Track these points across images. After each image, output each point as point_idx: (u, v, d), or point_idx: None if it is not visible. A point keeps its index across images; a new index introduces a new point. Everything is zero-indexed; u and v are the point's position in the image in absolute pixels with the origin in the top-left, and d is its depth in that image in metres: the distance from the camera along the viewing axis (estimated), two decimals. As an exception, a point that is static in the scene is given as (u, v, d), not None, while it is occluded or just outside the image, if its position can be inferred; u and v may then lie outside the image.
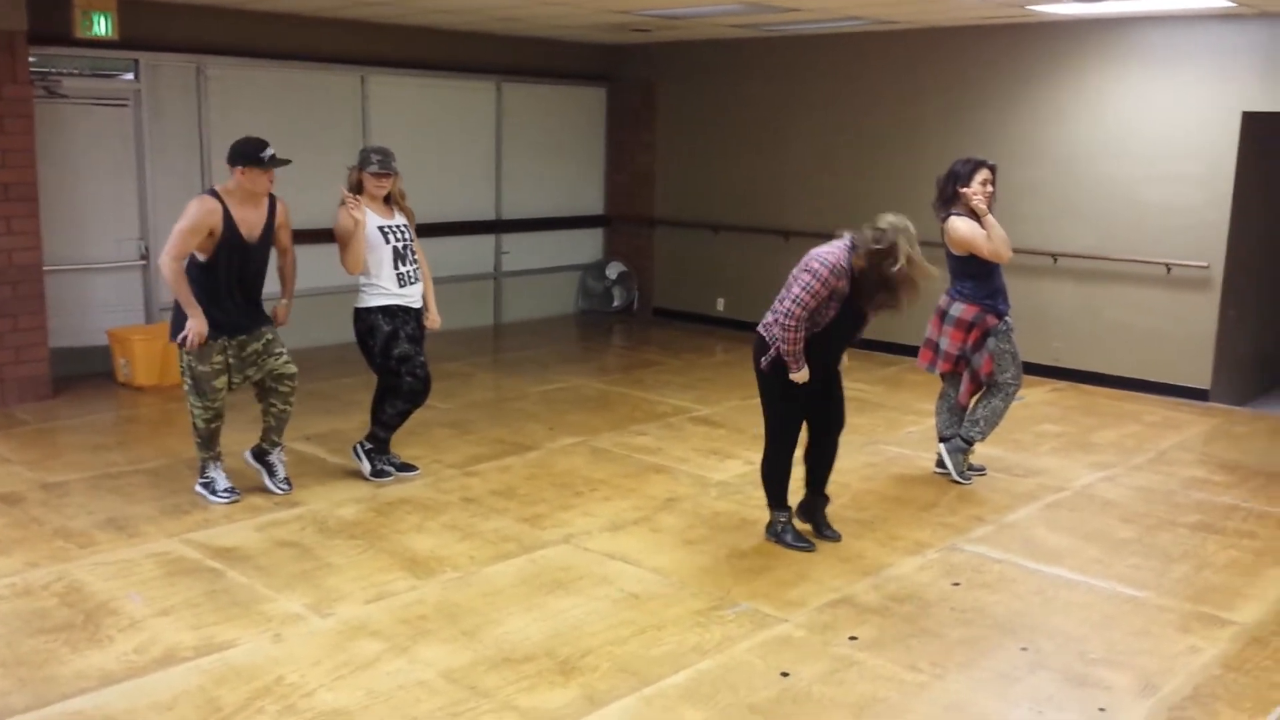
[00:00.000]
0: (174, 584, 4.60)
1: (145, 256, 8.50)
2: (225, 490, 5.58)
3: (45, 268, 7.58)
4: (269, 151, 5.30)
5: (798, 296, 4.81)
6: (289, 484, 5.77)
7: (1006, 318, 5.98)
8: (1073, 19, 8.26)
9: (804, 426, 5.21)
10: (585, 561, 4.93)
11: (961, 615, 4.45)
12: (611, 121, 11.74)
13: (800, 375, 4.91)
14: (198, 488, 5.64)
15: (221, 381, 5.42)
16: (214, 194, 5.33)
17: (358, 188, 5.75)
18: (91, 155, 8.20)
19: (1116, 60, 8.31)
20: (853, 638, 4.22)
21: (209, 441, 5.56)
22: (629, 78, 11.51)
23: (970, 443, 6.09)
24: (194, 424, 5.50)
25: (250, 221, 5.38)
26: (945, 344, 6.01)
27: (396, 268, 5.73)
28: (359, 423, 7.07)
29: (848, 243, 4.83)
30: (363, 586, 4.61)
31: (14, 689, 3.73)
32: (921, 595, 4.64)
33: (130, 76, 8.34)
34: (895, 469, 6.33)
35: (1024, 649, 4.17)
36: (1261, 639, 4.29)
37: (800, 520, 5.29)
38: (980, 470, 6.29)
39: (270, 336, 5.56)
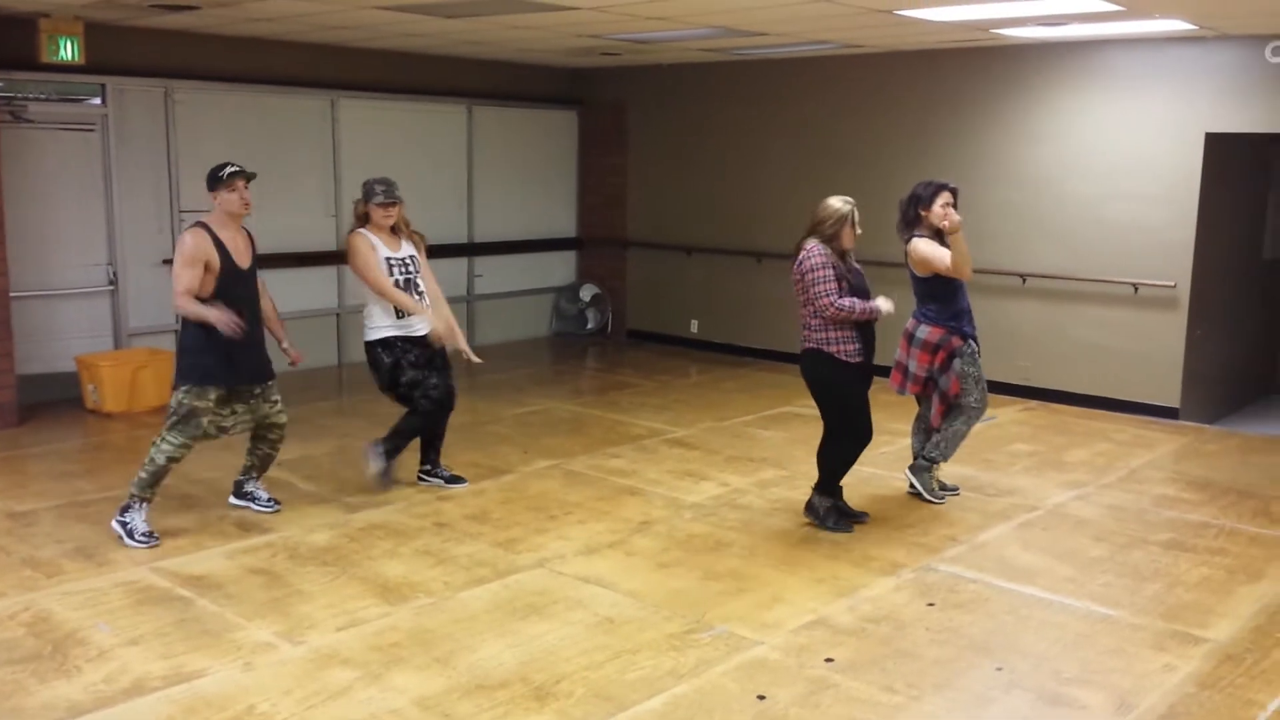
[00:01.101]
0: (143, 613, 4.54)
1: (114, 282, 8.43)
2: (144, 535, 5.28)
3: (12, 294, 7.51)
4: (229, 169, 5.29)
5: (823, 290, 5.32)
6: (276, 501, 5.79)
7: (972, 339, 6.01)
8: (1038, 42, 8.37)
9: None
10: (560, 586, 4.90)
11: (936, 636, 4.45)
12: (583, 144, 11.77)
13: (886, 304, 5.40)
14: (114, 525, 5.36)
15: (210, 421, 5.32)
16: (201, 225, 5.30)
17: (364, 220, 5.85)
18: (58, 180, 8.14)
19: (1082, 83, 8.41)
20: (829, 659, 4.21)
21: (155, 481, 5.33)
22: (600, 101, 11.55)
23: (932, 462, 6.12)
24: (152, 458, 5.27)
25: (239, 249, 5.37)
26: (913, 366, 6.04)
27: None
28: (331, 448, 7.04)
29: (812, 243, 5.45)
30: (334, 614, 4.56)
31: (-22, 723, 3.67)
32: (897, 616, 4.64)
33: (97, 101, 8.30)
34: (869, 489, 6.34)
35: (999, 669, 4.17)
36: (1235, 656, 4.31)
37: (806, 517, 5.77)
38: (954, 490, 6.31)
39: (268, 383, 5.55)
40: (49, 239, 8.10)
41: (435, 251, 10.42)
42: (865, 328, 5.44)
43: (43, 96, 8.04)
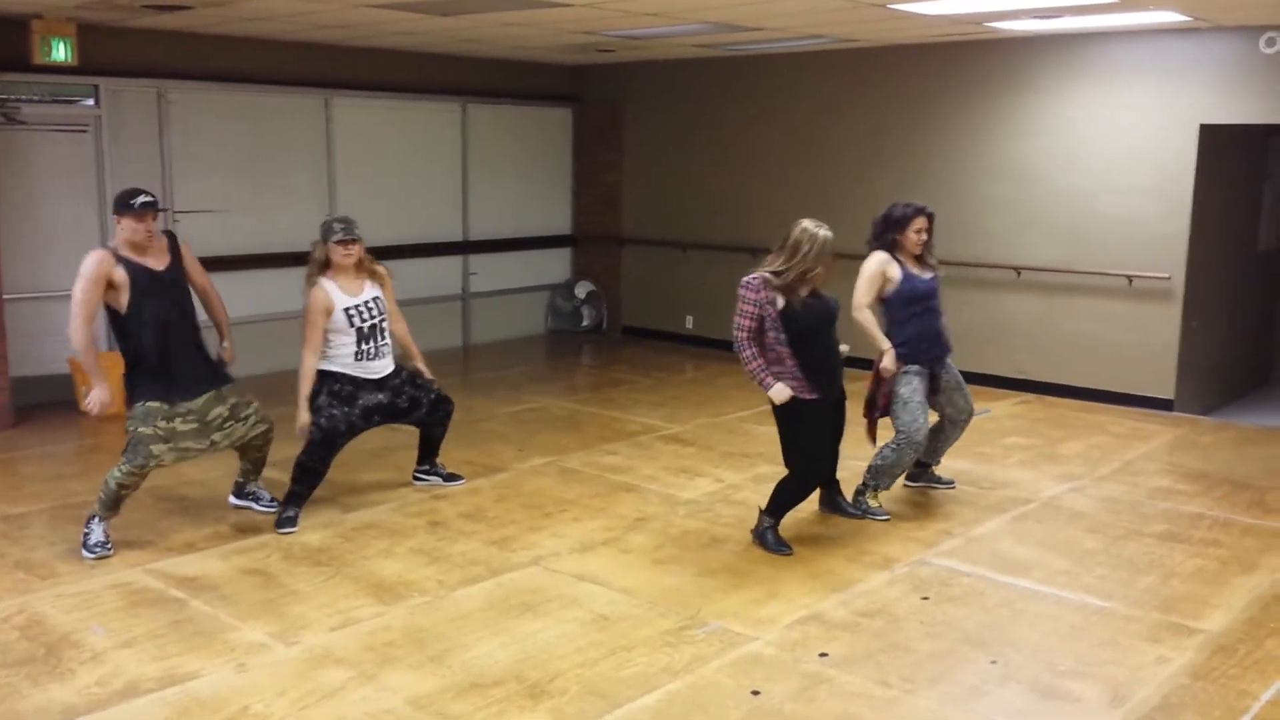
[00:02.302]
0: (137, 615, 4.54)
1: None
2: (97, 544, 5.17)
3: (5, 296, 7.50)
4: (140, 199, 5.08)
5: (736, 320, 5.17)
6: (278, 500, 5.74)
7: (914, 366, 5.69)
8: (1031, 35, 8.36)
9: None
10: (554, 583, 4.90)
11: (931, 629, 4.46)
12: (578, 141, 11.76)
13: (776, 394, 5.09)
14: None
15: (160, 449, 5.09)
16: (104, 247, 5.13)
17: (324, 265, 5.59)
18: (52, 182, 8.12)
19: (1075, 75, 8.40)
20: (823, 654, 4.21)
21: (113, 505, 5.19)
22: (594, 98, 11.53)
23: (862, 492, 5.81)
24: (106, 482, 5.13)
25: (151, 261, 5.16)
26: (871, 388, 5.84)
27: (359, 345, 5.62)
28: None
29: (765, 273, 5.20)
30: (328, 614, 4.56)
31: (-29, 726, 3.66)
32: (891, 610, 4.64)
33: (90, 102, 8.28)
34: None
35: (993, 662, 4.18)
36: (1229, 647, 4.32)
37: (825, 511, 5.77)
38: (950, 484, 6.31)
39: (235, 400, 5.41)
40: (43, 240, 8.09)
41: (430, 250, 10.53)
42: (812, 365, 5.12)
43: (36, 98, 8.03)
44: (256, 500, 5.82)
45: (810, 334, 5.13)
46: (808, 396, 5.12)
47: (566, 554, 5.26)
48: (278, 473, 6.11)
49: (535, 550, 5.31)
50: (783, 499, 5.34)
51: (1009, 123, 8.78)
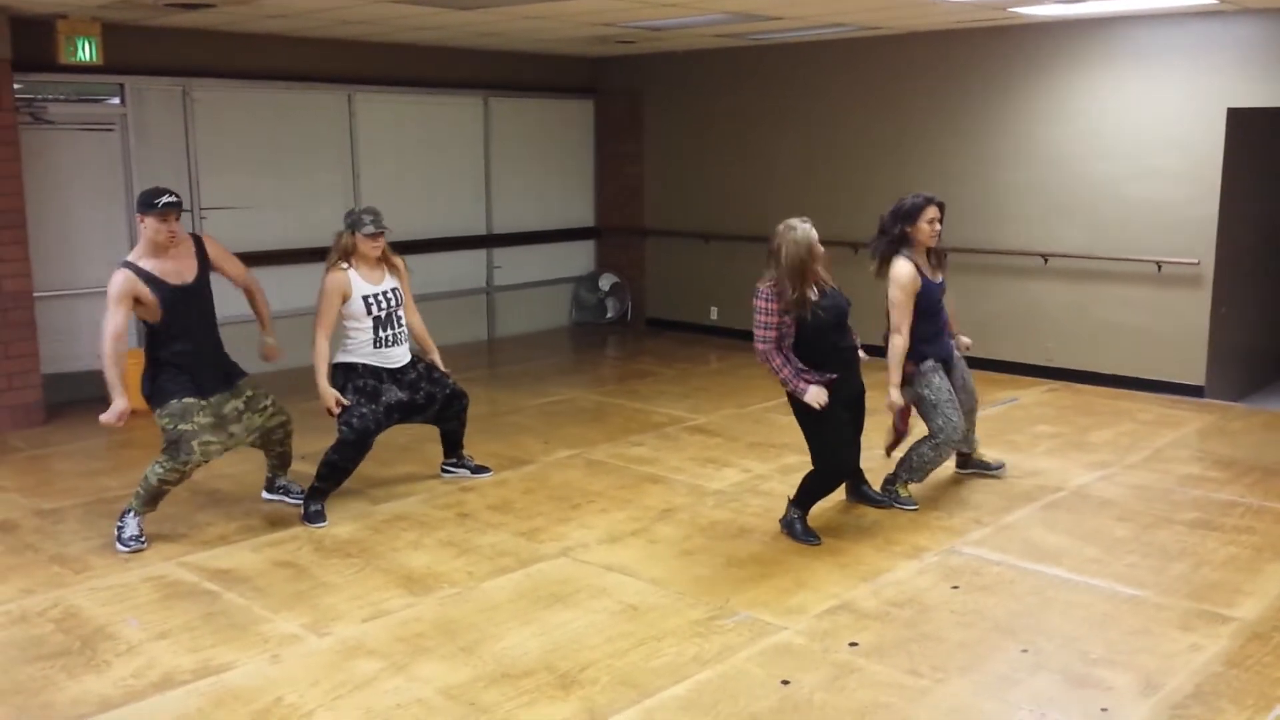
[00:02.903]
0: (171, 607, 4.58)
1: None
2: (131, 538, 5.24)
3: (35, 294, 7.57)
4: (163, 199, 5.11)
5: (756, 332, 5.09)
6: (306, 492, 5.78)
7: (928, 362, 5.65)
8: (1056, 20, 8.29)
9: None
10: (583, 574, 4.92)
11: (961, 618, 4.44)
12: (599, 134, 11.76)
13: (813, 396, 5.04)
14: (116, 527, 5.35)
15: (201, 444, 5.16)
16: (125, 264, 5.13)
17: (350, 250, 5.62)
18: (79, 180, 8.19)
19: (1101, 60, 8.33)
20: (853, 644, 4.21)
21: (152, 500, 5.29)
22: (615, 90, 11.53)
23: (893, 481, 5.82)
24: (146, 477, 5.22)
25: (175, 270, 5.19)
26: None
27: (376, 333, 5.66)
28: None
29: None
30: (360, 605, 4.59)
31: (11, 716, 3.71)
32: (921, 599, 4.63)
33: (116, 101, 8.35)
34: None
35: (1024, 651, 4.16)
36: (1262, 635, 4.28)
37: (851, 500, 5.76)
38: (999, 468, 6.27)
39: (250, 392, 5.44)
40: (71, 239, 8.16)
41: (454, 244, 10.56)
42: (830, 363, 5.10)
43: (62, 97, 8.10)
44: (288, 494, 5.86)
45: (826, 334, 5.10)
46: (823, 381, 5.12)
47: (595, 545, 5.27)
48: (308, 465, 6.14)
49: (564, 541, 5.32)
50: (810, 491, 5.35)
51: (1034, 108, 8.72)
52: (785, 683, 3.90)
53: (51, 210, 8.02)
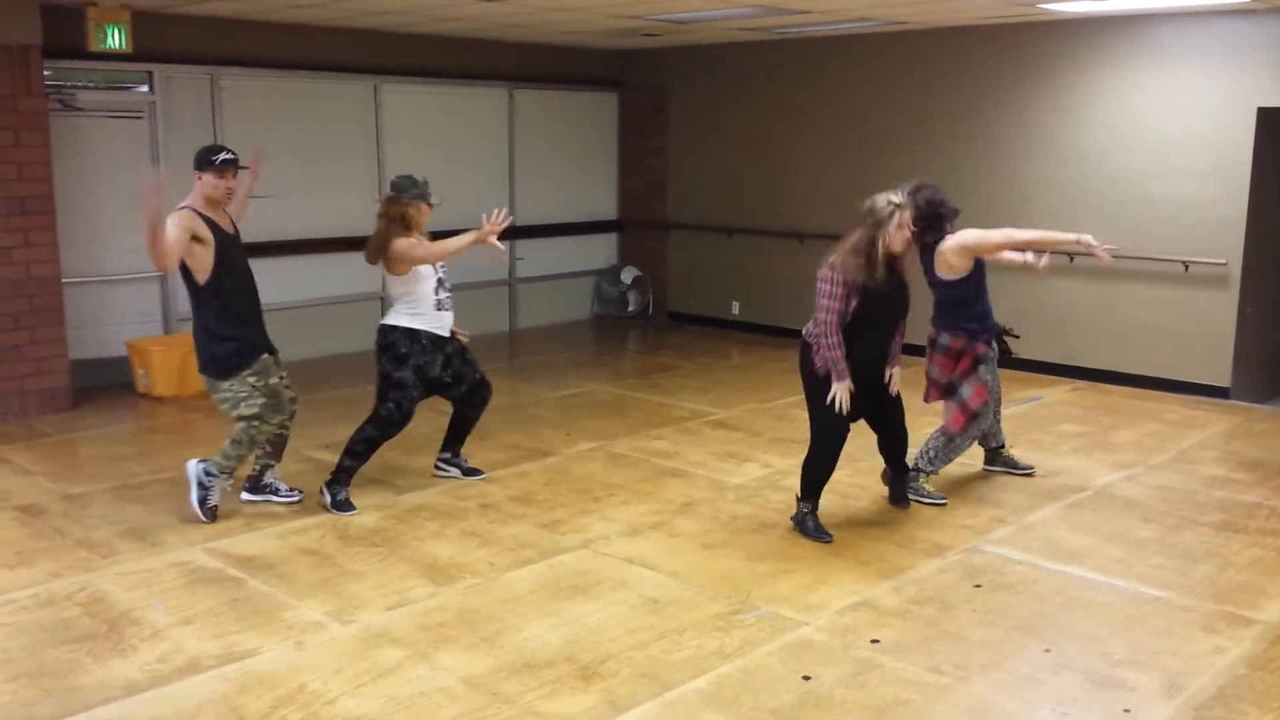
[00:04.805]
0: (196, 593, 4.62)
1: (162, 267, 8.54)
2: (212, 509, 5.44)
3: (63, 280, 7.63)
4: (222, 155, 5.28)
5: (821, 305, 5.01)
6: (296, 490, 5.79)
7: (994, 344, 5.82)
8: (1084, 17, 8.24)
9: (852, 430, 5.30)
10: (604, 566, 4.93)
11: (984, 617, 4.43)
12: (623, 126, 11.76)
13: (842, 388, 5.04)
14: (193, 498, 5.43)
15: (288, 393, 5.49)
16: (183, 206, 5.27)
17: (405, 220, 5.65)
18: (107, 168, 8.24)
19: (1129, 58, 8.27)
20: (874, 641, 4.21)
21: (254, 446, 5.49)
22: (640, 82, 11.52)
23: (917, 472, 5.82)
24: (250, 437, 5.38)
25: (226, 222, 5.42)
26: (934, 373, 5.84)
27: (437, 294, 5.73)
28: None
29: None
30: (383, 594, 4.62)
31: (39, 699, 3.75)
32: (943, 597, 4.62)
33: (145, 89, 8.39)
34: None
35: (1047, 650, 4.15)
36: (1287, 638, 4.26)
37: (884, 482, 5.79)
38: (1029, 469, 6.25)
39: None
40: (99, 226, 8.21)
41: (477, 235, 10.56)
42: (865, 346, 5.12)
43: (91, 85, 8.15)
44: (276, 493, 5.76)
45: (873, 323, 5.08)
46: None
47: (616, 537, 5.29)
48: (331, 455, 6.17)
49: (585, 533, 5.34)
50: (810, 478, 5.30)
51: (1061, 106, 8.66)
52: (806, 678, 3.91)
53: (80, 197, 8.08)
